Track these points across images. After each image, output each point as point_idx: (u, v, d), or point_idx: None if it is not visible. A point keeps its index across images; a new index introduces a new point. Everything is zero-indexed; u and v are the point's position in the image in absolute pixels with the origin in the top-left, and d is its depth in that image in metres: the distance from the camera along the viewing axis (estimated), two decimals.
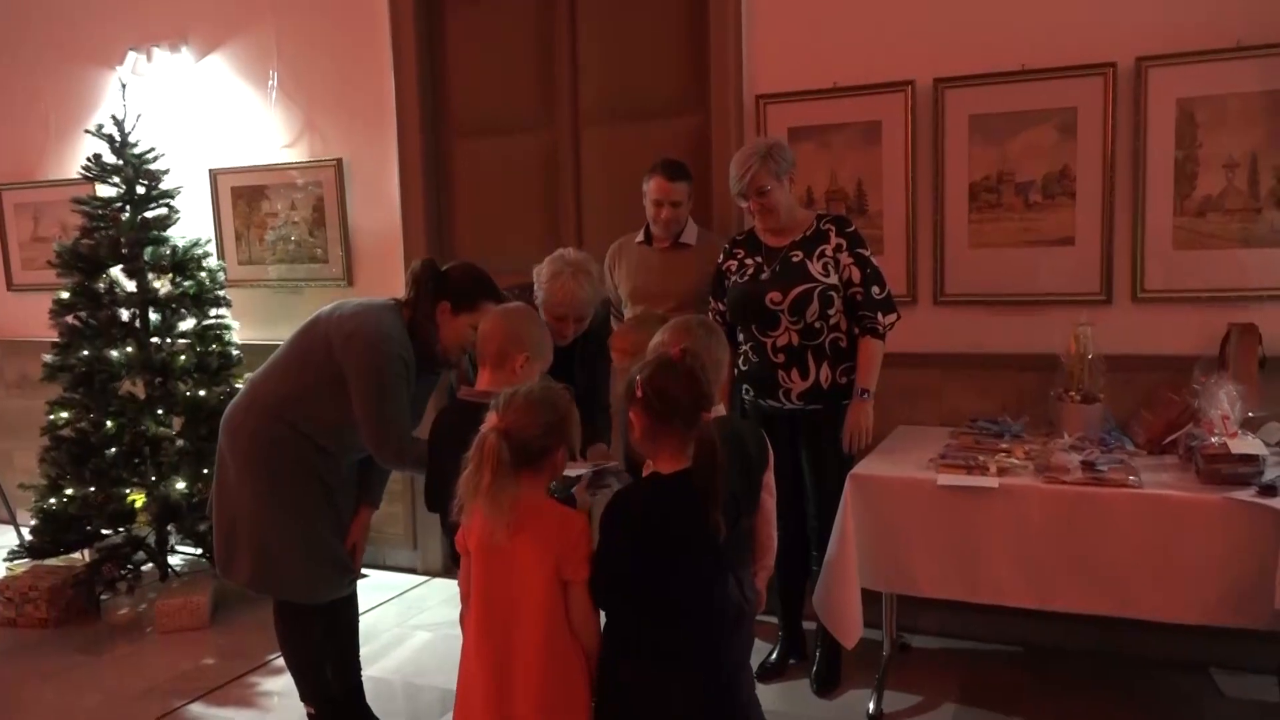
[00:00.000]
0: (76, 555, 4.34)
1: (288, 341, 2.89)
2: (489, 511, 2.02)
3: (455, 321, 2.79)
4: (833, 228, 3.20)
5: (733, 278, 3.29)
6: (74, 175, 4.58)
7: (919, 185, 3.57)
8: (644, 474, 2.15)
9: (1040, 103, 3.38)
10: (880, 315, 3.15)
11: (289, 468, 2.80)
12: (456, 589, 2.36)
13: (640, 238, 3.66)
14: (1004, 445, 3.08)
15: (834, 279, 3.15)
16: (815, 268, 3.15)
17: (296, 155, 4.71)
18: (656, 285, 3.56)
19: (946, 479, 2.81)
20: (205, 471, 4.24)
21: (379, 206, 4.57)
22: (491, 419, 2.06)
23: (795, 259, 3.18)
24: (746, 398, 3.34)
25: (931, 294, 3.59)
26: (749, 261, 3.27)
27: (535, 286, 2.97)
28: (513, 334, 2.51)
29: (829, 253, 3.16)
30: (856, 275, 3.14)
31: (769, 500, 2.36)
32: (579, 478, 2.54)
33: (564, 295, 2.92)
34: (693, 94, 3.96)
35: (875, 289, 3.16)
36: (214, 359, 4.38)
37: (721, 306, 3.35)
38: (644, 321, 2.70)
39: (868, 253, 3.18)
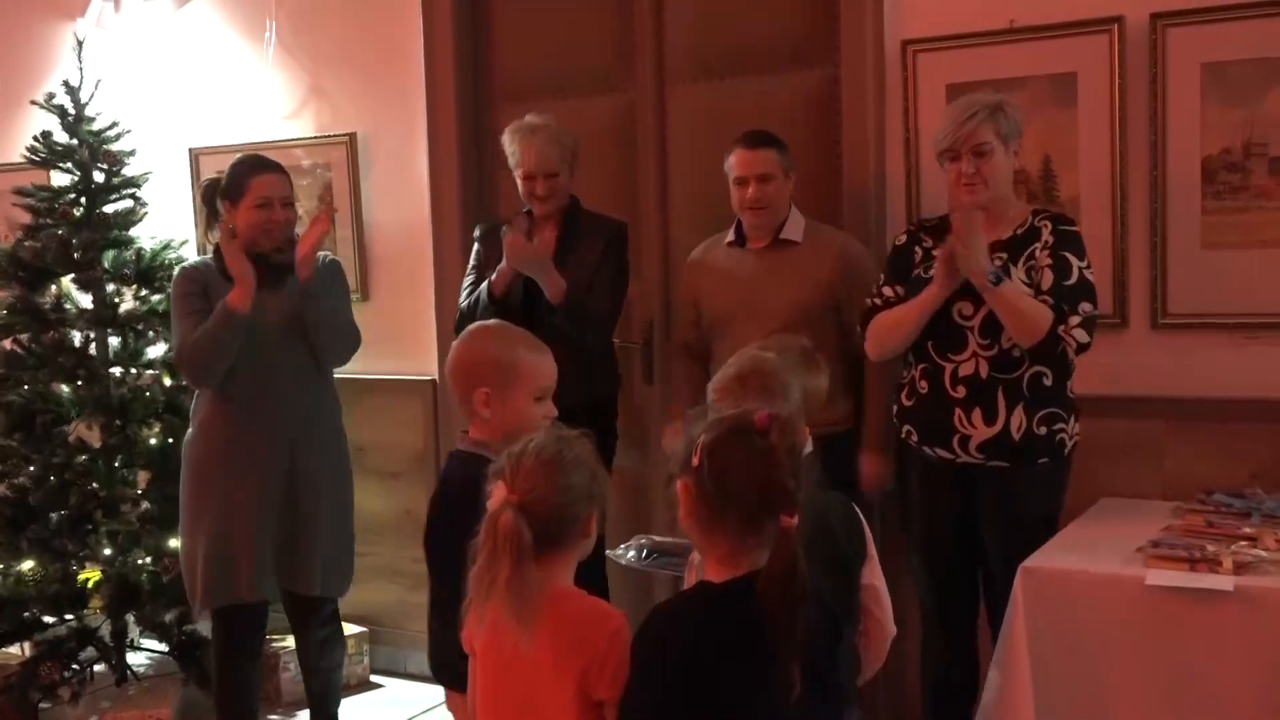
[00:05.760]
0: (11, 650, 4.49)
1: None
2: (513, 612, 2.03)
3: (239, 214, 3.65)
4: (1048, 224, 3.21)
5: (916, 270, 3.30)
6: (17, 159, 4.75)
7: (1130, 162, 3.49)
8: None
9: None
10: (1068, 320, 3.05)
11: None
12: None
13: (730, 238, 3.69)
14: (1249, 529, 2.96)
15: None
16: (1018, 276, 3.14)
17: (299, 130, 4.83)
18: (752, 298, 3.57)
19: (1158, 577, 2.70)
20: (175, 544, 4.33)
21: (404, 194, 4.65)
22: (499, 491, 2.08)
23: (997, 263, 3.17)
24: (909, 443, 3.33)
25: (1148, 314, 3.50)
26: (937, 255, 3.24)
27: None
28: (463, 362, 2.59)
29: (1036, 254, 3.17)
30: (1047, 281, 3.11)
31: (876, 609, 2.33)
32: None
33: (521, 154, 3.79)
34: (816, 40, 3.95)
35: (1075, 304, 3.08)
36: (188, 396, 4.44)
37: (890, 293, 3.30)
38: (782, 349, 2.70)
39: (1079, 262, 3.13)
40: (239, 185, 3.65)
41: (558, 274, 3.67)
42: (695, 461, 1.97)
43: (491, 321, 2.93)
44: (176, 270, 3.76)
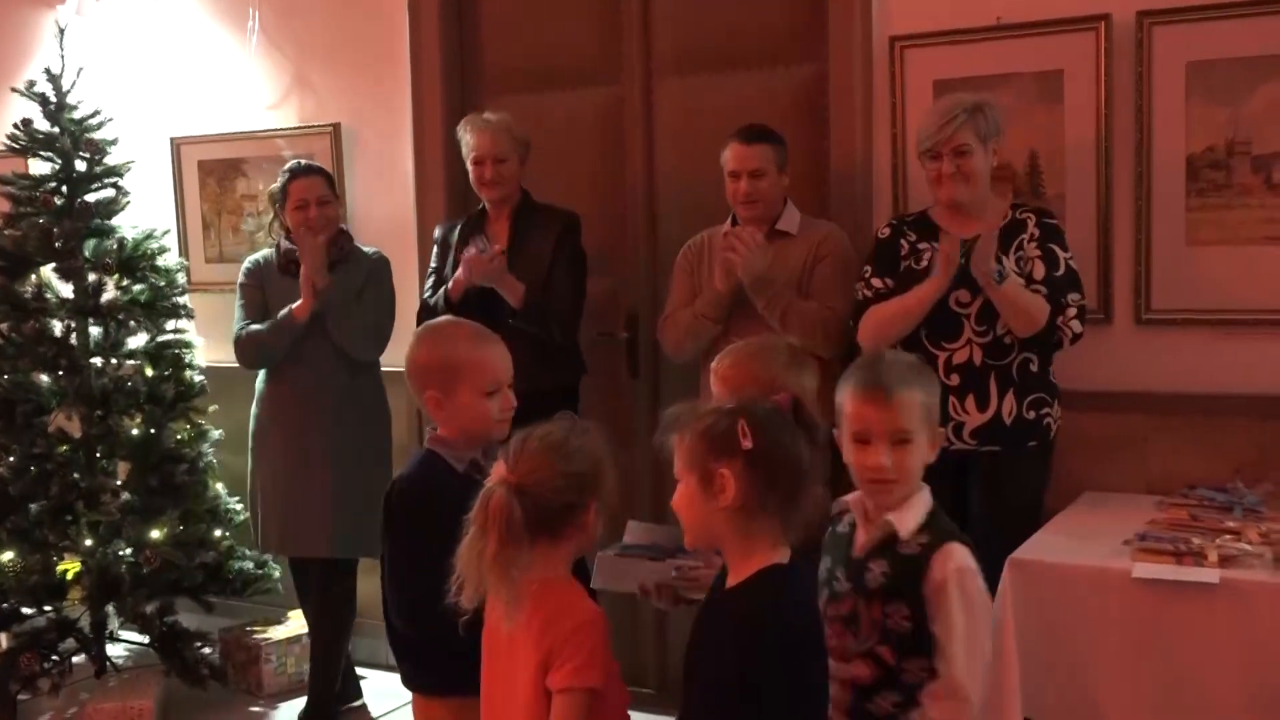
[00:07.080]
0: None
1: None
2: (498, 589, 2.06)
3: (287, 217, 4.12)
4: (1032, 217, 3.32)
5: (904, 263, 3.36)
6: None
7: (1116, 159, 3.51)
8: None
9: None
10: (1066, 311, 3.19)
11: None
12: None
13: (728, 228, 3.67)
14: (1232, 523, 2.99)
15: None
16: (1010, 266, 3.23)
17: (283, 119, 4.82)
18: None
19: (1145, 570, 2.73)
20: (156, 535, 4.32)
21: (388, 186, 4.65)
22: (499, 470, 2.12)
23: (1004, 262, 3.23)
24: None
25: (1132, 310, 3.53)
26: (924, 246, 3.34)
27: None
28: (411, 367, 2.61)
29: (1024, 245, 3.28)
30: (1039, 272, 3.23)
31: None
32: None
33: (474, 140, 3.94)
34: (804, 35, 3.96)
35: (1065, 295, 3.21)
36: (169, 387, 4.48)
37: (880, 284, 3.35)
38: (771, 350, 2.71)
39: (1064, 254, 3.26)
40: (282, 192, 4.11)
41: (514, 280, 3.76)
42: (748, 444, 1.93)
43: (437, 321, 2.89)
44: (245, 261, 4.32)
